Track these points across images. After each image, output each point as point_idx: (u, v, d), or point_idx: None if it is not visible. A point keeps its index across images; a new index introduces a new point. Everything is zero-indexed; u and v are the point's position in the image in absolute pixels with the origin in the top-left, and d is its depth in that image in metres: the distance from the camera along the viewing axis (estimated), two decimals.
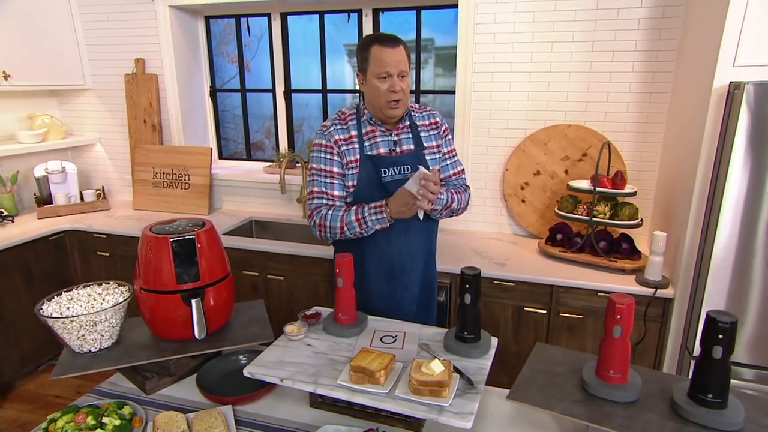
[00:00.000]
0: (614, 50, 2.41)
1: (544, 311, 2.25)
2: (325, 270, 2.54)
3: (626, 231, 2.36)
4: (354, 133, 1.74)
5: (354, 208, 1.67)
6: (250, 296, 2.70)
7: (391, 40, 1.65)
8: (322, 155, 1.73)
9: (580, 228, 2.41)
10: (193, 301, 1.37)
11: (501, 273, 2.25)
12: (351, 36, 3.13)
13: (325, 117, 3.28)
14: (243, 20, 3.28)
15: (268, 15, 3.18)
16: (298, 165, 3.17)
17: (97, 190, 3.37)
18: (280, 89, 3.29)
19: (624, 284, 2.11)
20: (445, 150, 1.87)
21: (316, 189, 1.74)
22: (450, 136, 1.88)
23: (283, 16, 3.16)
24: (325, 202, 1.73)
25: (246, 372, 1.29)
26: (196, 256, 1.40)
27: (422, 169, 1.51)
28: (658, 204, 2.46)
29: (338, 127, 1.74)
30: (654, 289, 2.06)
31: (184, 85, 3.26)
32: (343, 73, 3.25)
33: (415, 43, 2.95)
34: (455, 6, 2.62)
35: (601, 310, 2.17)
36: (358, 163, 1.71)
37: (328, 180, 1.73)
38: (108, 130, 3.47)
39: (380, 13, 2.97)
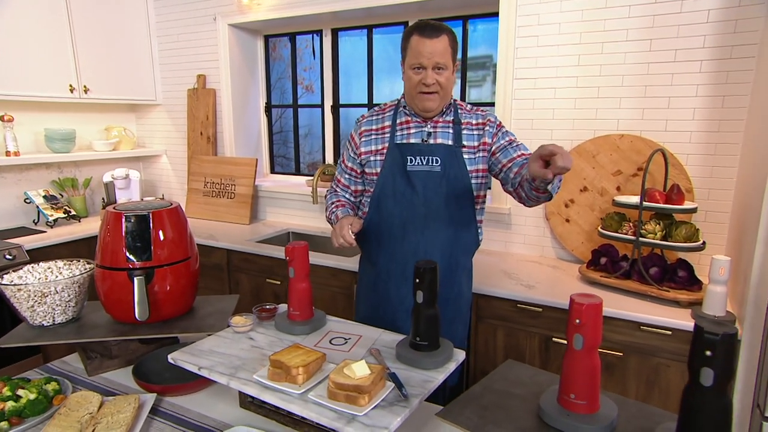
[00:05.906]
0: (677, 48, 2.08)
1: None
2: (344, 282, 2.40)
3: (685, 256, 1.97)
4: (388, 123, 1.74)
5: (334, 206, 1.78)
6: None
7: (432, 30, 1.56)
8: (347, 144, 1.85)
9: (629, 251, 2.05)
10: (136, 279, 1.30)
11: (527, 295, 1.96)
12: None
13: None
14: (308, 42, 3.35)
15: (320, 31, 3.22)
16: None
17: (157, 198, 3.57)
18: (328, 104, 3.29)
19: (677, 318, 1.73)
20: (504, 141, 1.71)
21: (336, 174, 1.90)
22: (506, 129, 1.74)
23: (334, 32, 3.19)
24: (333, 186, 1.89)
25: (170, 357, 1.18)
26: (148, 235, 1.34)
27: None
28: (734, 228, 2.02)
29: (372, 118, 1.78)
30: None
31: (239, 99, 3.38)
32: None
33: (461, 54, 2.80)
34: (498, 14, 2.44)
35: (646, 348, 1.79)
36: (384, 151, 1.71)
37: (341, 168, 1.86)
38: (173, 143, 3.69)
39: None
